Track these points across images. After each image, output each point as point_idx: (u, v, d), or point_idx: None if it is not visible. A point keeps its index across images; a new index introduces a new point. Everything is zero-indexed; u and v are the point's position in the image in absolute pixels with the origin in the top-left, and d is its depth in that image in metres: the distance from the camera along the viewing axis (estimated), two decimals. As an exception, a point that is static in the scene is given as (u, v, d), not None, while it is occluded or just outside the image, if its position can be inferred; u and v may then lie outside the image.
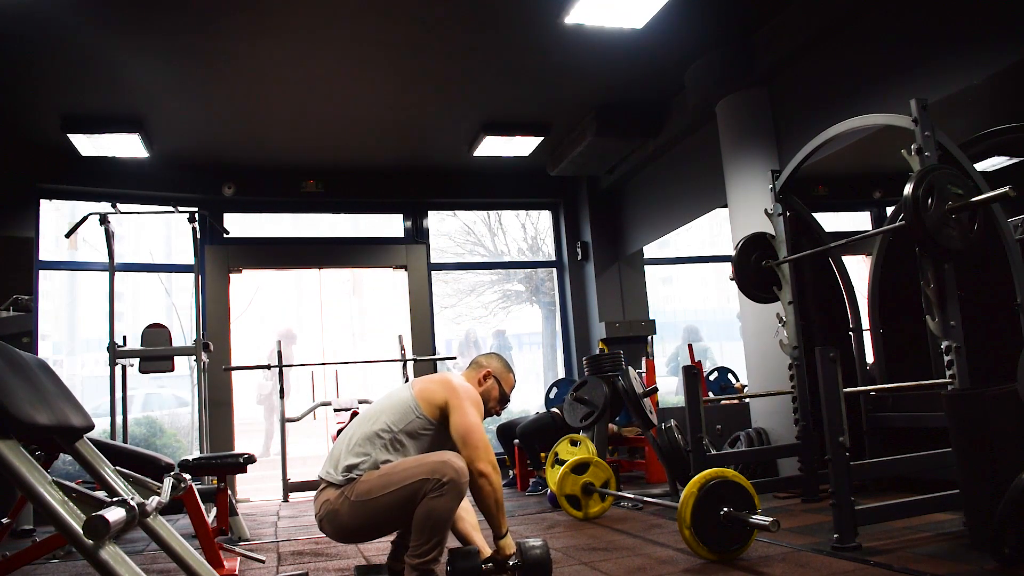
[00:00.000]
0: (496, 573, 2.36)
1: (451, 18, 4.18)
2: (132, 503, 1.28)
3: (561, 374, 6.97)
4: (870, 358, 4.30)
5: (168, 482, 1.85)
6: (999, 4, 3.36)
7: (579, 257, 7.06)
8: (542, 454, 4.99)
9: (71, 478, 3.15)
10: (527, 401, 7.02)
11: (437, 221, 7.17)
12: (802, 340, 3.93)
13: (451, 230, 7.39)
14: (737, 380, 6.42)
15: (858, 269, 6.21)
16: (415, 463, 2.33)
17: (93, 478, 1.63)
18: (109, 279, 5.22)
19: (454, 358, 7.12)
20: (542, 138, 5.90)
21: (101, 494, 1.56)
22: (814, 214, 4.15)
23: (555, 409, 5.39)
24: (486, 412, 2.71)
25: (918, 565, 2.40)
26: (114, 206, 5.21)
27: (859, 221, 7.66)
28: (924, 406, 3.63)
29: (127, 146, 5.43)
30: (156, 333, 5.25)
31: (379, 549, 3.30)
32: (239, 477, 5.39)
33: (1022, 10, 3.24)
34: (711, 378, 6.46)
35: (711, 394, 6.15)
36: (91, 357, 6.82)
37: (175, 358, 5.30)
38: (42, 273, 5.77)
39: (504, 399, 2.77)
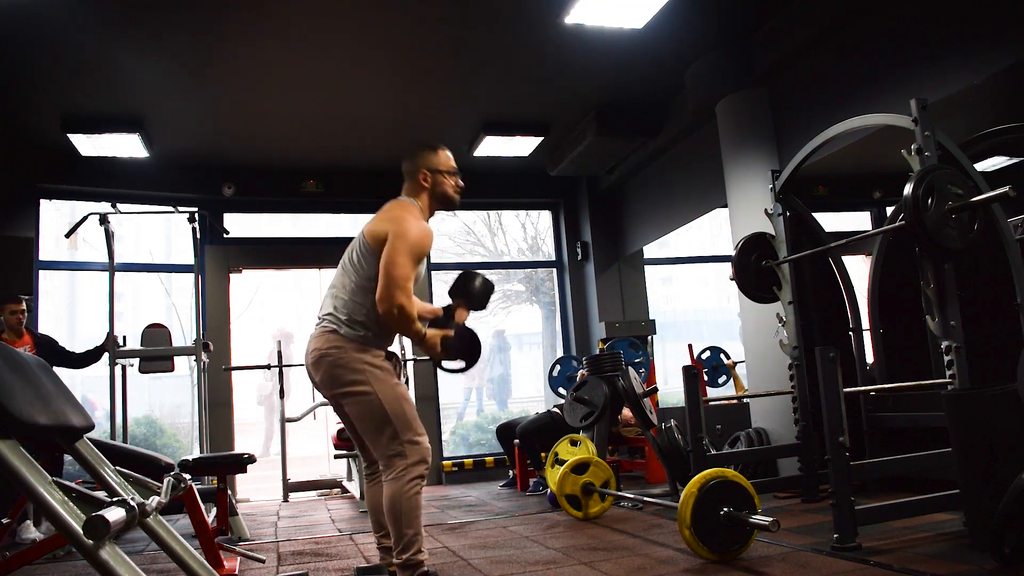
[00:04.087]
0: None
1: (451, 18, 4.18)
2: (132, 503, 1.28)
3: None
4: (870, 358, 4.30)
5: (168, 482, 1.85)
6: (999, 4, 3.36)
7: (579, 257, 7.06)
8: (542, 454, 4.99)
9: (71, 478, 3.15)
10: (528, 401, 7.01)
11: (437, 221, 7.14)
12: (802, 340, 3.93)
13: (451, 230, 7.39)
14: (728, 358, 6.39)
15: (858, 269, 6.19)
16: (409, 404, 2.43)
17: (93, 478, 1.63)
18: (109, 279, 5.21)
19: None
20: (542, 138, 5.90)
21: (101, 494, 1.56)
22: (814, 214, 4.15)
23: (555, 409, 5.39)
24: (448, 202, 2.77)
25: (918, 565, 2.39)
26: (114, 206, 5.20)
27: (859, 221, 7.66)
28: (924, 406, 3.62)
29: (127, 146, 5.43)
30: (156, 333, 5.25)
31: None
32: (239, 477, 5.39)
33: (1022, 10, 3.24)
34: (703, 357, 6.40)
35: (705, 375, 6.13)
36: (91, 357, 6.80)
37: (175, 358, 5.30)
38: (42, 273, 5.78)
39: (453, 173, 2.73)
